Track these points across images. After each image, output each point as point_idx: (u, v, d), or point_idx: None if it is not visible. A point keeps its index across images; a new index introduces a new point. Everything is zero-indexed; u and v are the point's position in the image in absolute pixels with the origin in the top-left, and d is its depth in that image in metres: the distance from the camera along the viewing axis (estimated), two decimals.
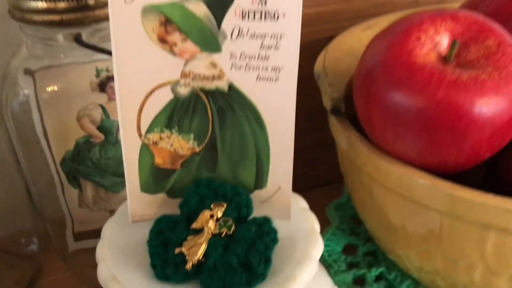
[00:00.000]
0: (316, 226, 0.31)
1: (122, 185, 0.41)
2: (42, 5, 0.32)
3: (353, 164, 0.35)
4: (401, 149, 0.30)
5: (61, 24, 0.32)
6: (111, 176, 0.41)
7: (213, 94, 0.27)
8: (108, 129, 0.39)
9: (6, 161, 0.40)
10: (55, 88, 0.36)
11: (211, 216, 0.28)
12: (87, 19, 0.32)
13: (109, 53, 0.33)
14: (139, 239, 0.29)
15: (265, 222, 0.27)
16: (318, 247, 0.29)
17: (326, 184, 0.53)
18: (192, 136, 0.28)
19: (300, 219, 0.30)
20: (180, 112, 0.28)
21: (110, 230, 0.30)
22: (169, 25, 0.26)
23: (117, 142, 0.39)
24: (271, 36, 0.26)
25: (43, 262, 0.45)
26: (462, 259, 0.32)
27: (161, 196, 0.29)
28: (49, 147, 0.39)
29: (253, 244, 0.26)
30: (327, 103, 0.35)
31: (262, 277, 0.26)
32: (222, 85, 0.27)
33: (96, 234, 0.45)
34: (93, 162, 0.40)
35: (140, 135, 0.28)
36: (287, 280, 0.26)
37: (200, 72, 0.27)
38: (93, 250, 0.38)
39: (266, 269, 0.26)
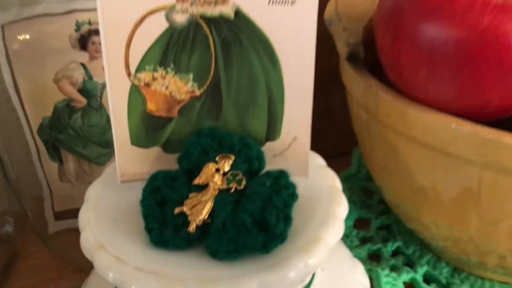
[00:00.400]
0: (338, 183, 0.26)
1: (108, 156, 0.37)
2: None
3: (373, 118, 0.30)
4: (435, 93, 0.26)
5: None
6: (95, 146, 0.37)
7: (216, 23, 0.23)
8: (91, 92, 0.35)
9: None
10: (27, 36, 0.31)
11: (217, 170, 0.23)
12: None
13: None
14: (130, 201, 0.24)
15: (282, 175, 0.23)
16: (343, 206, 0.24)
17: (331, 157, 0.49)
18: (191, 76, 0.24)
19: (318, 176, 0.26)
20: (176, 46, 0.23)
21: (95, 192, 0.25)
22: None
23: (101, 107, 0.35)
24: None
25: (19, 245, 0.40)
26: (503, 221, 0.28)
27: (155, 150, 0.25)
28: (24, 112, 0.34)
29: (269, 200, 0.22)
30: (342, 49, 0.30)
31: (281, 238, 0.21)
32: (227, 10, 0.23)
33: (79, 210, 0.40)
34: (74, 130, 0.36)
35: (129, 74, 0.23)
36: (311, 243, 0.22)
37: None
38: (76, 230, 0.33)
39: (286, 229, 0.21)
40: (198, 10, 0.23)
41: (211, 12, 0.23)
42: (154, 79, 0.23)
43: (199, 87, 0.24)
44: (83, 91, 0.34)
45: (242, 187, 0.22)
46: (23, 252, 0.40)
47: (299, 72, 0.23)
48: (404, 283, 0.37)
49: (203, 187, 0.23)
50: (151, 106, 0.24)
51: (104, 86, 0.35)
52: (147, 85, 0.23)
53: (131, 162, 0.24)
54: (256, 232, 0.21)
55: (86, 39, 0.33)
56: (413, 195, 0.32)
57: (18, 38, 0.31)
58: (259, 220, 0.21)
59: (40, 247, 0.40)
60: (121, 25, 0.22)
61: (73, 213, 0.39)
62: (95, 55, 0.34)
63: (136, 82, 0.23)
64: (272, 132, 0.25)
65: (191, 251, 0.22)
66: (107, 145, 0.36)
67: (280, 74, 0.24)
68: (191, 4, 0.22)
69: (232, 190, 0.22)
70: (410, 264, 0.39)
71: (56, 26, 0.33)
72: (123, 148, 0.24)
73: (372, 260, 0.39)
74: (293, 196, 0.22)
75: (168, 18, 0.22)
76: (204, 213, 0.22)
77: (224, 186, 0.22)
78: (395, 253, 0.40)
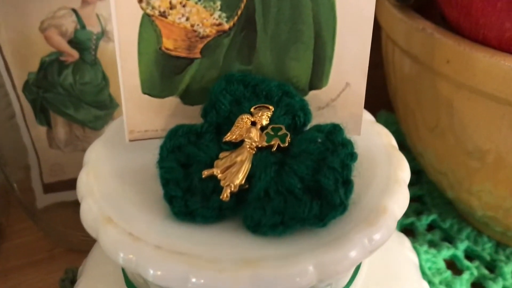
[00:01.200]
0: (394, 142, 0.22)
1: (105, 119, 0.32)
2: None
3: (424, 67, 0.26)
4: None
5: None
6: (89, 108, 0.32)
7: None
8: (84, 44, 0.30)
9: None
10: None
11: (253, 124, 0.18)
12: None
13: None
14: (141, 164, 0.19)
15: (336, 130, 0.18)
16: (405, 169, 0.20)
17: None
18: (219, 3, 0.19)
19: (371, 133, 0.21)
20: None
21: (96, 153, 0.20)
22: None
23: (96, 62, 0.30)
24: None
25: (4, 221, 0.35)
26: None
27: (173, 101, 0.20)
28: (6, 67, 0.29)
29: (323, 160, 0.17)
30: None
31: (342, 207, 0.16)
32: None
33: (72, 184, 0.36)
34: (64, 88, 0.31)
35: (140, 0, 0.18)
36: (374, 213, 0.17)
37: None
38: (69, 204, 0.29)
39: (347, 195, 0.17)
40: None
41: None
42: (172, 7, 0.18)
43: (228, 19, 0.19)
44: (74, 42, 0.30)
45: (286, 144, 0.18)
46: (9, 230, 0.36)
47: (358, 1, 0.19)
48: (444, 260, 0.33)
49: (236, 145, 0.18)
50: (167, 43, 0.19)
51: (99, 36, 0.30)
52: (163, 15, 0.18)
53: (142, 115, 0.19)
54: (309, 200, 0.16)
55: None
56: (467, 160, 0.27)
57: None
58: (311, 185, 0.17)
59: (28, 224, 0.35)
60: None
61: (65, 185, 0.34)
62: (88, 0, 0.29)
63: (149, 10, 0.18)
64: (318, 78, 0.20)
65: (225, 224, 0.17)
66: (103, 106, 0.31)
67: (333, 2, 0.19)
68: None
69: (274, 148, 0.18)
70: (449, 239, 0.35)
71: None
72: (132, 98, 0.19)
73: (406, 235, 0.35)
74: (352, 155, 0.17)
75: None
76: (241, 177, 0.17)
77: (264, 144, 0.18)
78: (430, 227, 0.36)
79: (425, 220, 0.35)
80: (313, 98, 0.20)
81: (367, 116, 0.23)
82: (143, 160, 0.19)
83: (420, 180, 0.39)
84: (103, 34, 0.30)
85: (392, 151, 0.20)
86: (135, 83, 0.19)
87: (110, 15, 0.28)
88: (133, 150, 0.20)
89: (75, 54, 0.30)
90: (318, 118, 0.20)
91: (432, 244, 0.34)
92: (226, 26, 0.19)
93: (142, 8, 0.18)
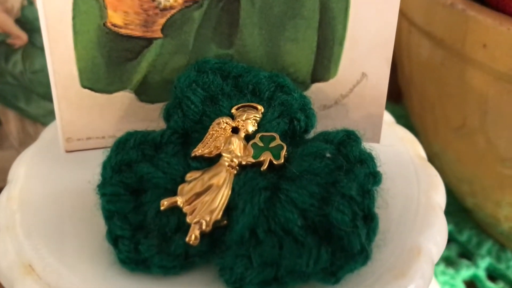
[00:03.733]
0: (422, 151, 0.17)
1: None
2: None
3: (451, 53, 0.20)
4: None
5: None
6: (41, 100, 0.28)
7: None
8: (33, 24, 0.25)
9: None
10: None
11: (235, 131, 0.13)
12: None
13: None
14: (80, 184, 0.14)
15: (350, 140, 0.13)
16: (440, 190, 0.15)
17: None
18: None
19: (392, 139, 0.16)
20: None
21: (25, 169, 0.15)
22: None
23: None
24: None
25: None
26: None
27: (125, 97, 0.14)
28: None
29: (334, 184, 0.12)
30: None
31: (363, 255, 0.11)
32: None
33: None
34: (14, 77, 0.26)
35: None
36: (405, 257, 0.12)
37: None
38: None
39: (371, 238, 0.12)
40: None
41: None
42: None
43: None
44: (22, 22, 0.25)
45: (282, 160, 0.12)
46: None
47: None
48: (464, 281, 0.29)
49: (211, 162, 0.13)
50: (114, 18, 0.13)
51: None
52: None
53: (83, 117, 0.14)
54: (315, 245, 0.11)
55: None
56: (499, 168, 0.22)
57: None
58: (318, 222, 0.12)
59: None
60: None
61: None
62: None
63: None
64: (323, 66, 0.15)
65: (193, 278, 0.12)
66: None
67: None
68: None
69: (265, 166, 0.12)
70: (467, 255, 0.31)
71: None
72: (67, 94, 0.14)
73: None
74: (375, 177, 0.12)
75: None
76: (217, 211, 0.12)
77: (250, 160, 0.12)
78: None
79: None
80: (317, 93, 0.15)
81: (387, 117, 0.18)
82: (85, 178, 0.14)
83: None
84: None
85: (421, 165, 0.15)
86: (71, 73, 0.14)
87: None
88: (72, 165, 0.15)
89: (23, 37, 0.25)
90: (324, 120, 0.15)
91: (449, 262, 0.29)
92: None
93: None
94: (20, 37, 0.26)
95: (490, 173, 0.23)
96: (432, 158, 0.28)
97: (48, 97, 0.28)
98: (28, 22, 0.26)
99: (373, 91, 0.15)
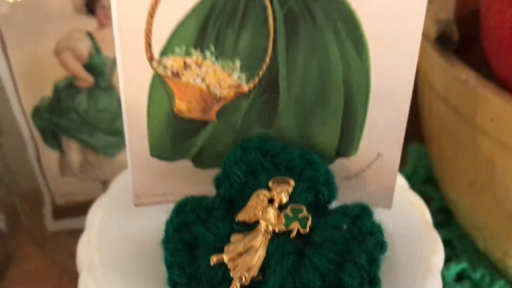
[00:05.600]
0: (428, 216, 0.19)
1: (119, 146, 0.30)
2: None
3: (464, 120, 0.23)
4: None
5: None
6: (103, 134, 0.31)
7: None
8: (99, 69, 0.29)
9: None
10: None
11: (270, 202, 0.16)
12: None
13: None
14: (147, 234, 0.18)
15: (364, 215, 0.16)
16: (439, 252, 0.18)
17: None
18: (238, 64, 0.17)
19: (403, 203, 0.19)
20: (220, 19, 0.16)
21: (100, 217, 0.19)
22: None
23: (111, 88, 0.28)
24: None
25: (13, 245, 0.34)
26: None
27: (184, 165, 0.18)
28: (17, 92, 0.28)
29: (348, 252, 0.15)
30: (430, 28, 0.23)
31: None
32: None
33: (83, 209, 0.34)
34: (79, 114, 0.30)
35: (150, 58, 0.16)
36: None
37: None
38: (79, 232, 0.27)
39: None
40: None
41: None
42: (186, 66, 0.16)
43: (247, 81, 0.17)
44: (89, 67, 0.28)
45: (307, 230, 0.16)
46: (18, 254, 0.34)
47: (396, 64, 0.16)
48: None
49: (250, 226, 0.16)
50: (180, 105, 0.17)
51: (115, 62, 0.28)
52: (176, 75, 0.16)
53: (150, 179, 0.18)
54: None
55: (94, 1, 0.27)
56: (506, 221, 0.25)
57: (8, 0, 0.24)
58: (333, 284, 0.15)
59: (37, 249, 0.34)
60: None
61: (75, 210, 0.33)
62: (105, 22, 0.27)
63: (160, 70, 0.16)
64: (346, 145, 0.18)
65: None
66: (118, 133, 0.30)
67: (367, 66, 0.16)
68: None
69: (293, 234, 0.16)
70: None
71: None
72: (139, 161, 0.17)
73: None
74: (382, 246, 0.15)
75: None
76: (254, 269, 0.15)
77: (282, 228, 0.16)
78: (459, 277, 0.34)
79: (454, 269, 0.33)
80: (340, 166, 0.18)
81: (400, 180, 0.21)
82: (151, 228, 0.17)
83: (449, 222, 0.36)
84: None
85: (426, 231, 0.18)
86: (143, 146, 0.17)
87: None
88: (141, 216, 0.18)
89: (90, 79, 0.29)
90: (345, 188, 0.18)
91: None
92: (246, 88, 0.17)
93: (153, 68, 0.16)
94: (87, 79, 0.29)
95: (498, 224, 0.26)
96: (449, 203, 0.31)
97: (110, 131, 0.32)
98: (95, 67, 0.29)
99: (386, 167, 0.18)
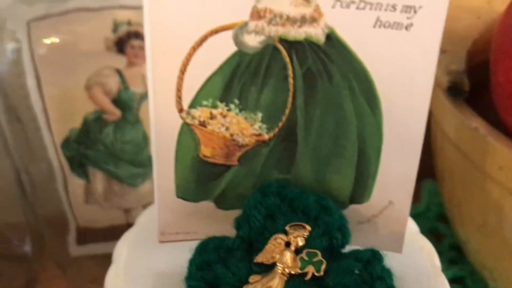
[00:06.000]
0: (437, 260, 0.20)
1: (142, 177, 0.32)
2: None
3: (474, 167, 0.24)
4: None
5: None
6: (128, 165, 0.32)
7: (300, 49, 0.17)
8: (127, 104, 0.30)
9: None
10: (56, 40, 0.26)
11: (287, 245, 0.18)
12: None
13: None
14: (170, 270, 0.19)
15: (375, 260, 0.17)
16: None
17: None
18: (259, 115, 0.18)
19: (413, 247, 0.20)
20: (244, 76, 0.17)
21: (127, 251, 0.20)
22: None
23: (137, 121, 0.30)
24: None
25: (38, 268, 0.36)
26: None
27: (207, 205, 0.19)
28: (48, 124, 0.30)
29: None
30: (442, 78, 0.24)
31: None
32: (317, 33, 0.17)
33: (105, 235, 0.35)
34: (105, 146, 0.31)
35: (180, 110, 0.18)
36: None
37: (283, 11, 0.16)
38: (100, 257, 0.28)
39: None
40: (277, 30, 0.17)
41: (294, 34, 0.17)
42: (212, 117, 0.18)
43: (268, 130, 0.18)
44: (117, 101, 0.30)
45: (321, 273, 0.17)
46: (42, 277, 0.36)
47: (406, 119, 0.17)
48: None
49: (268, 268, 0.17)
50: (205, 151, 0.18)
51: (142, 97, 0.30)
52: (203, 124, 0.18)
53: (175, 218, 0.19)
54: None
55: (124, 42, 0.28)
56: None
57: (45, 42, 0.26)
58: None
59: (60, 273, 0.35)
60: (175, 45, 0.17)
61: (98, 236, 0.34)
62: (134, 61, 0.29)
63: (189, 120, 0.18)
64: (359, 193, 0.19)
65: None
66: (142, 164, 0.31)
67: (380, 120, 0.18)
68: (269, 22, 0.17)
69: (308, 277, 0.17)
70: None
71: (89, 25, 0.28)
72: (165, 201, 0.19)
73: None
74: None
75: (237, 39, 0.17)
76: None
77: (298, 271, 0.17)
78: None
79: None
80: (353, 212, 0.19)
81: (410, 225, 0.22)
82: (175, 265, 0.19)
83: (462, 259, 0.37)
84: (147, 95, 0.30)
85: (433, 275, 0.19)
86: (170, 187, 0.19)
87: None
88: (165, 252, 0.20)
89: (117, 113, 0.30)
90: (357, 232, 0.19)
91: None
92: (266, 137, 0.18)
93: (182, 118, 0.18)
94: (114, 113, 0.31)
95: (508, 267, 0.26)
96: (460, 243, 0.31)
97: (134, 163, 0.33)
98: (122, 102, 0.31)
99: (397, 214, 0.19)
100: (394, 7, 0.16)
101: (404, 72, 0.17)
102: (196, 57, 0.17)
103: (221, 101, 0.18)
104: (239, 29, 0.17)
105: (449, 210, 0.31)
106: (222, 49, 0.17)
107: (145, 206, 0.34)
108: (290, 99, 0.18)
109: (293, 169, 0.19)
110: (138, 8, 0.28)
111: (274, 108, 0.18)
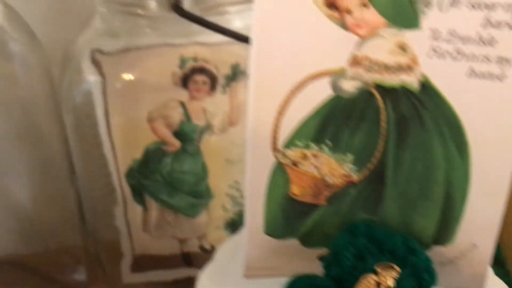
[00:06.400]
0: None
1: (199, 208, 0.32)
2: None
3: None
4: None
5: None
6: (185, 196, 0.32)
7: (394, 95, 0.18)
8: (188, 135, 0.31)
9: (57, 165, 0.31)
10: (132, 77, 0.27)
11: (377, 285, 0.18)
12: None
13: (223, 31, 0.23)
14: None
15: None
16: None
17: None
18: (350, 157, 0.19)
19: None
20: (339, 120, 0.18)
21: (209, 285, 0.20)
22: None
23: (197, 153, 0.31)
24: (505, 8, 0.16)
25: None
26: None
27: (292, 243, 0.20)
28: (114, 152, 0.30)
29: None
30: None
31: None
32: (412, 81, 0.18)
33: (158, 263, 0.36)
34: (162, 176, 0.31)
35: (274, 149, 0.18)
36: None
37: (380, 59, 0.17)
38: (153, 285, 0.29)
39: None
40: (374, 77, 0.18)
41: (390, 81, 0.18)
42: (304, 157, 0.18)
43: (357, 172, 0.19)
44: (179, 133, 0.30)
45: None
46: None
47: (494, 164, 0.18)
48: None
49: None
50: (295, 190, 0.19)
51: (203, 129, 0.30)
52: (295, 164, 0.19)
53: (262, 254, 0.20)
54: None
55: (188, 77, 0.29)
56: None
57: (120, 76, 0.27)
58: None
59: None
60: (274, 88, 0.17)
61: (152, 265, 0.35)
62: (196, 95, 0.30)
63: (282, 159, 0.18)
64: (443, 234, 0.19)
65: None
66: (200, 195, 0.32)
67: (468, 166, 0.18)
68: (367, 69, 0.17)
69: None
70: None
71: (159, 60, 0.29)
72: (254, 237, 0.19)
73: None
74: None
75: (334, 84, 0.18)
76: None
77: None
78: None
79: None
80: (436, 253, 0.20)
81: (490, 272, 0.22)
82: None
83: None
84: (208, 128, 0.30)
85: None
86: (259, 223, 0.19)
87: (216, 110, 0.30)
88: (248, 284, 0.20)
89: (177, 144, 0.31)
90: (440, 274, 0.19)
91: None
92: (355, 178, 0.19)
93: (276, 157, 0.18)
94: (175, 145, 0.31)
95: None
96: None
97: (190, 193, 0.34)
98: (184, 134, 0.31)
99: (480, 257, 0.19)
100: (488, 59, 0.17)
101: (495, 120, 0.17)
102: (294, 99, 0.18)
103: (314, 142, 0.18)
104: (338, 75, 0.18)
105: (503, 251, 0.31)
106: (319, 93, 0.18)
107: (200, 237, 0.34)
108: (381, 142, 0.18)
109: (380, 210, 0.19)
110: (206, 44, 0.29)
111: (365, 151, 0.18)
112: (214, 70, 0.29)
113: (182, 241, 0.34)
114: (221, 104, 0.30)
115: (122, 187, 0.32)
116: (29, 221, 0.32)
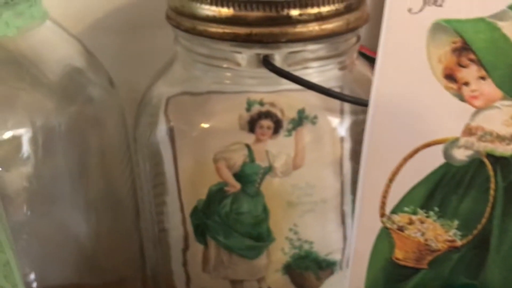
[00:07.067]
0: None
1: (258, 250, 0.32)
2: (225, 12, 0.23)
3: None
4: None
5: (248, 40, 0.23)
6: (242, 237, 0.32)
7: (504, 164, 0.18)
8: (249, 177, 0.31)
9: (125, 209, 0.31)
10: (207, 126, 0.28)
11: None
12: (284, 37, 0.23)
13: (313, 88, 0.24)
14: None
15: None
16: None
17: None
18: (456, 223, 0.19)
19: None
20: (447, 187, 0.18)
21: None
22: (465, 54, 0.17)
23: (258, 194, 0.31)
24: None
25: None
26: None
27: None
28: (179, 192, 0.30)
29: None
30: None
31: None
32: None
33: None
34: (220, 216, 0.31)
35: (382, 214, 0.18)
36: None
37: (494, 129, 0.17)
38: None
39: None
40: (486, 146, 0.18)
41: (501, 150, 0.18)
42: (410, 223, 0.19)
43: (462, 237, 0.19)
44: (240, 175, 0.30)
45: None
46: None
47: None
48: None
49: None
50: (398, 254, 0.19)
51: (266, 171, 0.30)
52: (401, 229, 0.19)
53: None
54: None
55: (255, 121, 0.29)
56: None
57: (202, 126, 0.27)
58: None
59: None
60: (388, 157, 0.18)
61: None
62: (261, 138, 0.30)
63: (388, 224, 0.18)
64: None
65: None
66: (260, 238, 0.32)
67: None
68: (479, 139, 0.18)
69: None
70: None
71: (226, 104, 0.29)
72: None
73: None
74: None
75: (446, 153, 0.18)
76: None
77: None
78: None
79: None
80: None
81: None
82: None
83: None
84: (270, 169, 0.30)
85: None
86: (360, 285, 0.19)
87: (279, 153, 0.30)
88: None
89: (237, 186, 0.31)
90: None
91: None
92: (459, 243, 0.19)
93: (382, 222, 0.19)
94: (235, 186, 0.32)
95: None
96: None
97: (249, 235, 0.34)
98: (245, 175, 0.31)
99: None
100: None
101: None
102: (406, 167, 0.18)
103: (422, 208, 0.18)
104: (450, 143, 0.18)
105: None
106: (430, 161, 0.18)
107: (260, 280, 0.34)
108: (488, 209, 0.18)
109: (481, 275, 0.19)
110: (275, 91, 0.30)
111: (471, 217, 0.18)
112: (279, 114, 0.29)
113: (236, 283, 0.34)
114: (283, 146, 0.30)
115: (186, 227, 0.32)
116: (93, 253, 0.32)
